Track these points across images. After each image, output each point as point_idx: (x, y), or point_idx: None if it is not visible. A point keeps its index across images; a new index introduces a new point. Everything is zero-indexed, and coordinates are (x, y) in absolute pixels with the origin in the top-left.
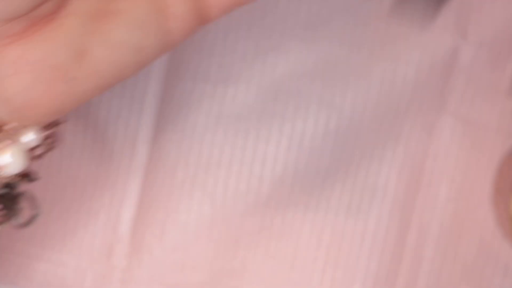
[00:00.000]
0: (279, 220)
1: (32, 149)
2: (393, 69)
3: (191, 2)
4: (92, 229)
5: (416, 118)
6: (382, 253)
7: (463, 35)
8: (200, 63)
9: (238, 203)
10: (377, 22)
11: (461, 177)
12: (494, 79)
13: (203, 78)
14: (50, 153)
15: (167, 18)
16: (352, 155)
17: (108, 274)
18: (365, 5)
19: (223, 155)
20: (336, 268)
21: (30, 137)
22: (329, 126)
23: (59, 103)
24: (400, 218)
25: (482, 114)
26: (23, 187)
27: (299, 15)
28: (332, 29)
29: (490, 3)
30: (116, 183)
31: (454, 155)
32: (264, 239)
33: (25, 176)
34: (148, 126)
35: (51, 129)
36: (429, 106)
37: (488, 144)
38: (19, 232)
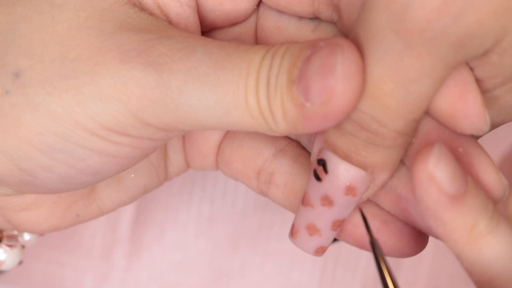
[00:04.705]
0: (279, 220)
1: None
2: None
3: (182, 152)
4: (92, 229)
5: None
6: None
7: None
8: None
9: (237, 203)
10: None
11: None
12: None
13: None
14: None
15: (168, 165)
16: None
17: (108, 274)
18: None
19: None
20: (336, 268)
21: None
22: None
23: (57, 227)
24: None
25: None
26: None
27: None
28: None
29: None
30: None
31: None
32: (264, 239)
33: None
34: None
35: None
36: None
37: (487, 144)
38: None
